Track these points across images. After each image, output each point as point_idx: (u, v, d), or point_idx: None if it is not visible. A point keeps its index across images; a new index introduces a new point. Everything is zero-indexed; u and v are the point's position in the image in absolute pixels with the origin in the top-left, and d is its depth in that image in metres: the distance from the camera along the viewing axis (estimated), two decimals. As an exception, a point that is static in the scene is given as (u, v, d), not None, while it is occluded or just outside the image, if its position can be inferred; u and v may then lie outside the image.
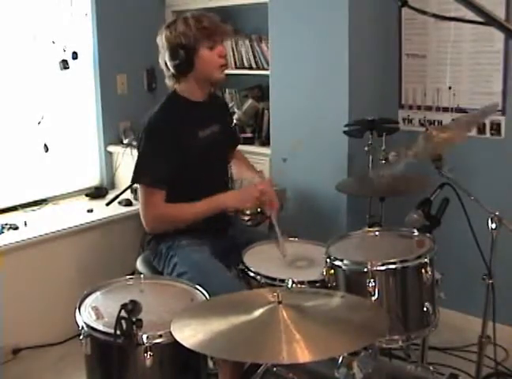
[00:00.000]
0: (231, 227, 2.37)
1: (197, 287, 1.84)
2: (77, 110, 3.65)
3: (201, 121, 2.27)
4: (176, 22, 2.19)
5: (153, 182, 2.16)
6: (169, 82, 2.27)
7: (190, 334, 1.38)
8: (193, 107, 2.26)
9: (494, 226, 1.82)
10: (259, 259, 2.10)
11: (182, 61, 2.15)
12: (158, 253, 2.26)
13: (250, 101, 2.72)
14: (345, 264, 1.84)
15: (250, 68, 3.64)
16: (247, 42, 3.61)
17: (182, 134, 2.18)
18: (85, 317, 1.68)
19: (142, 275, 2.05)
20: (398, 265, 1.80)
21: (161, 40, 2.21)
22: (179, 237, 2.21)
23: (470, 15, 1.05)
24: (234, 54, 3.68)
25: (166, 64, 2.21)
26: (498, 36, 2.70)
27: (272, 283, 1.92)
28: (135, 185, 3.24)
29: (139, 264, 2.37)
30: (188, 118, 2.22)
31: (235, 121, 2.72)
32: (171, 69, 2.19)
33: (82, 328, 1.65)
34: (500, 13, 2.64)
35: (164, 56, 2.20)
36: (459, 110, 2.93)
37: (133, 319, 1.49)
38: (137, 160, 2.20)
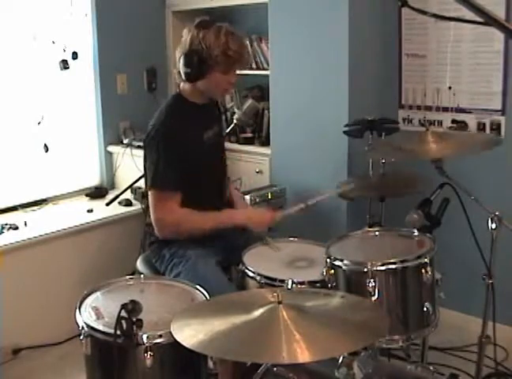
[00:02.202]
0: (231, 228, 2.37)
1: (198, 287, 1.84)
2: (76, 110, 3.65)
3: (204, 124, 2.28)
4: (209, 29, 2.11)
5: (170, 187, 2.14)
6: (177, 79, 2.25)
7: (190, 334, 1.37)
8: (197, 110, 2.26)
9: (494, 226, 1.82)
10: (259, 259, 2.10)
11: (193, 71, 2.13)
12: (160, 256, 2.26)
13: (250, 101, 2.72)
14: (345, 264, 1.84)
15: (250, 68, 3.63)
16: (247, 42, 3.60)
17: (190, 137, 2.18)
18: (85, 317, 1.68)
19: (142, 275, 2.05)
20: (398, 265, 1.80)
21: (186, 36, 2.15)
22: (184, 244, 2.20)
23: (470, 15, 1.05)
24: (234, 54, 3.68)
25: (179, 60, 2.17)
26: (498, 36, 2.70)
27: (272, 283, 1.92)
28: (135, 185, 3.25)
29: (139, 264, 2.37)
30: (194, 120, 2.22)
31: (235, 120, 2.72)
32: (181, 72, 2.18)
33: (82, 328, 1.65)
34: (500, 13, 2.64)
35: (181, 53, 2.16)
36: (459, 110, 2.93)
37: (134, 319, 1.49)
38: (153, 165, 2.15)
